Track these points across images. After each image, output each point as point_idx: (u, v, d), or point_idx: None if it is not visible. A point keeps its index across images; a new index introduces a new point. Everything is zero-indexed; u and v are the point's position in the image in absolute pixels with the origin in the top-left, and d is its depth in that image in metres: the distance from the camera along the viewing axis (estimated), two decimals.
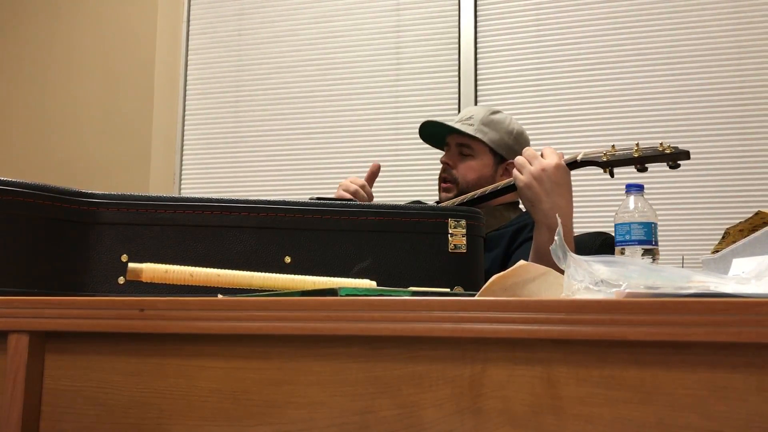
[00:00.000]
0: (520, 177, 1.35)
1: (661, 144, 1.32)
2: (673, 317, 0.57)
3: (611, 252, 1.58)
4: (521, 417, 0.61)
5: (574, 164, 1.38)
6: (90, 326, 0.75)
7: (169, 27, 2.94)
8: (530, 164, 1.35)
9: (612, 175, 1.37)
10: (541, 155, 1.36)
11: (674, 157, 1.31)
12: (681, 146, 1.34)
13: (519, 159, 1.37)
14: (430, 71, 2.65)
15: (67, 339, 0.78)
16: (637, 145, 1.34)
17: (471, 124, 1.73)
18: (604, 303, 0.59)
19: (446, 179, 1.74)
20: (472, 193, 1.60)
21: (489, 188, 1.56)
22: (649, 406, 0.58)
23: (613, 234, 1.64)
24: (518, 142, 1.75)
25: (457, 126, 1.73)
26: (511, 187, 1.49)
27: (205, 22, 2.94)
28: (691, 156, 1.32)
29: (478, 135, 1.71)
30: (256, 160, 2.81)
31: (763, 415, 0.55)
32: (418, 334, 0.64)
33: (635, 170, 1.35)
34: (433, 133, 1.82)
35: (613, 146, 1.36)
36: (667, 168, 1.33)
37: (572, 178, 1.37)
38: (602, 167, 1.36)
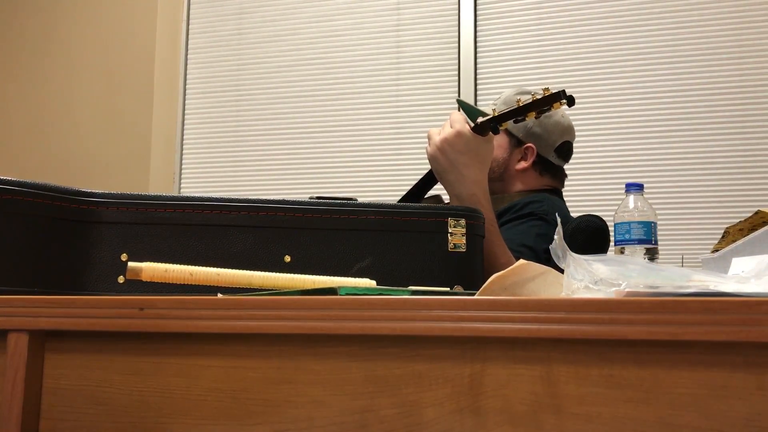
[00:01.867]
0: (427, 149, 1.31)
1: (545, 89, 1.25)
2: (672, 316, 0.57)
3: (584, 237, 1.51)
4: (521, 416, 0.61)
5: (476, 128, 1.30)
6: (89, 325, 0.75)
7: (169, 26, 2.94)
8: (438, 135, 1.30)
9: (495, 131, 1.30)
10: (449, 124, 1.30)
11: (547, 101, 1.24)
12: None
13: (429, 130, 1.33)
14: (430, 70, 2.65)
15: (66, 338, 0.78)
16: (533, 95, 1.26)
17: (494, 104, 1.66)
18: (604, 302, 0.59)
19: None
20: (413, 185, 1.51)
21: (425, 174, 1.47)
22: (649, 405, 0.58)
23: (593, 217, 1.57)
24: (541, 124, 1.63)
25: (484, 108, 1.68)
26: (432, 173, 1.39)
27: (205, 21, 2.93)
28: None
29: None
30: (256, 159, 2.81)
31: (763, 414, 0.55)
32: (417, 334, 0.64)
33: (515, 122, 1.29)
34: (468, 114, 1.76)
35: (518, 101, 1.28)
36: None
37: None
38: (490, 125, 1.29)
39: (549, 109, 1.25)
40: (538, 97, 1.24)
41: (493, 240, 1.28)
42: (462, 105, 1.72)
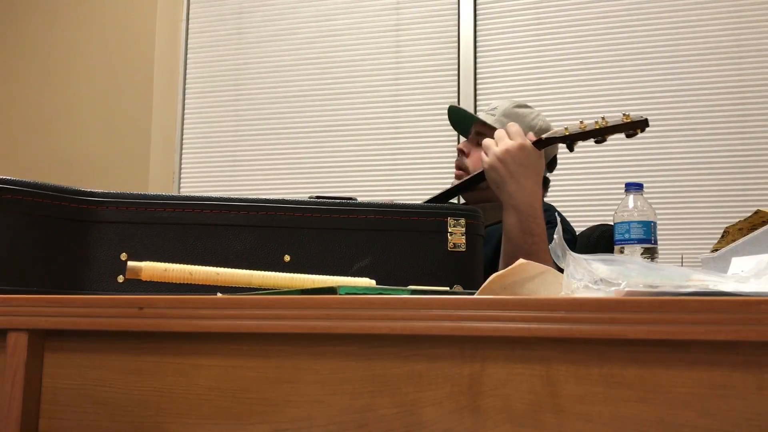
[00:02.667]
0: (485, 158, 1.34)
1: (624, 115, 1.30)
2: (672, 316, 0.57)
3: (609, 243, 1.58)
4: (521, 415, 0.61)
5: (539, 143, 1.35)
6: (89, 324, 0.75)
7: (169, 26, 2.94)
8: (496, 145, 1.33)
9: (571, 149, 1.35)
10: (508, 136, 1.34)
11: (630, 126, 1.28)
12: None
13: (486, 140, 1.36)
14: (429, 70, 2.65)
15: (66, 337, 0.78)
16: (603, 118, 1.31)
17: (493, 114, 1.71)
18: (604, 301, 0.59)
19: (459, 167, 1.72)
20: (451, 186, 1.57)
21: (465, 180, 1.53)
22: (649, 405, 0.58)
23: (612, 224, 1.64)
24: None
25: (479, 115, 1.71)
26: (482, 175, 1.44)
27: (205, 20, 2.93)
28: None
29: (497, 125, 1.66)
30: (256, 159, 2.81)
31: (763, 413, 0.55)
32: (417, 333, 0.64)
33: (594, 142, 1.33)
34: (459, 120, 1.79)
35: (581, 122, 1.33)
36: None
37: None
38: (563, 142, 1.34)
39: (634, 134, 1.29)
40: (615, 121, 1.29)
41: (544, 248, 1.31)
42: (455, 111, 1.75)
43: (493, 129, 1.64)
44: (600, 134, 1.30)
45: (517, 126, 1.36)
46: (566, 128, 1.33)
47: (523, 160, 1.31)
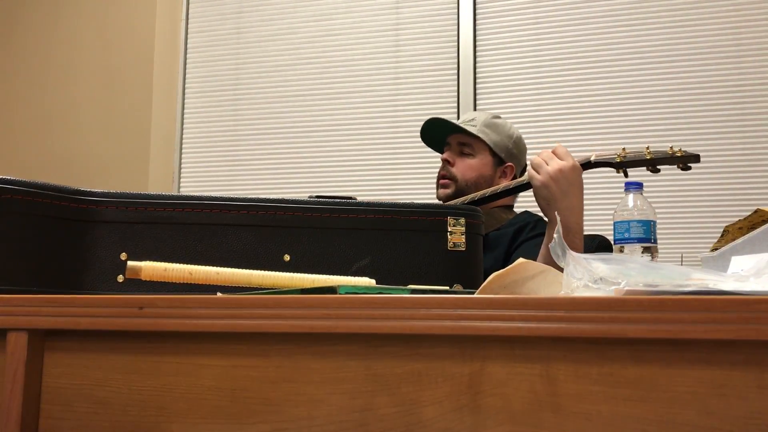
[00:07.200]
0: (537, 176, 1.38)
1: (671, 148, 1.37)
2: (672, 315, 0.57)
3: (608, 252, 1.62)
4: (520, 414, 0.61)
5: (587, 165, 1.42)
6: (89, 324, 0.75)
7: (168, 25, 2.94)
8: (547, 164, 1.37)
9: (626, 174, 1.41)
10: (555, 154, 1.38)
11: (684, 160, 1.36)
12: (681, 144, 1.38)
13: (535, 159, 1.40)
14: (429, 69, 2.65)
15: (66, 337, 0.78)
16: (648, 148, 1.38)
17: (474, 125, 1.77)
18: (604, 300, 0.59)
19: (445, 176, 1.76)
20: (482, 192, 1.63)
21: (500, 187, 1.59)
22: (648, 404, 0.58)
23: (605, 236, 1.69)
24: (517, 146, 1.81)
25: (461, 125, 1.75)
26: (522, 187, 1.52)
27: (204, 20, 2.93)
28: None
29: (481, 135, 1.75)
30: (255, 159, 2.81)
31: (762, 412, 0.55)
32: (417, 332, 0.64)
33: (648, 171, 1.40)
34: (433, 135, 1.84)
35: (623, 149, 1.40)
36: (672, 168, 1.38)
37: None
38: (616, 168, 1.41)
39: (688, 168, 1.38)
40: (668, 154, 1.38)
41: None
42: (432, 125, 1.79)
43: (475, 139, 1.76)
44: (650, 163, 1.38)
45: (564, 147, 1.41)
46: (618, 154, 1.40)
47: (574, 179, 1.37)
